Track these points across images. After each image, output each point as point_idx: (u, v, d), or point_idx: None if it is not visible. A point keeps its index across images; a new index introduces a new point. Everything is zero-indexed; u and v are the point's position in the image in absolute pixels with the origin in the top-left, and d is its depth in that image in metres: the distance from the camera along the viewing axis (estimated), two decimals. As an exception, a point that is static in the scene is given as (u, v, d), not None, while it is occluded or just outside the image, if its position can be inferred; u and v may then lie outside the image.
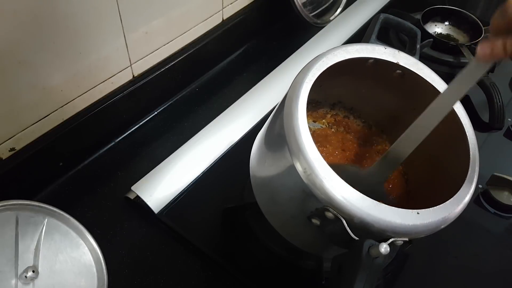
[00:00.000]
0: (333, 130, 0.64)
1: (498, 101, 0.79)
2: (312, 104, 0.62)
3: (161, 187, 0.64)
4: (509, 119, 0.81)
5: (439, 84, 0.50)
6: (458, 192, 0.41)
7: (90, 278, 0.50)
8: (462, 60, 0.92)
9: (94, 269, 0.51)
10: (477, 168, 0.44)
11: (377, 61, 0.50)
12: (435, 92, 0.49)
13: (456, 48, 0.91)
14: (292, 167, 0.40)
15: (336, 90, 0.59)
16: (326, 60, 0.47)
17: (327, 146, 0.60)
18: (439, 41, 0.93)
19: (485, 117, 0.81)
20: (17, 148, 0.59)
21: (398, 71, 0.51)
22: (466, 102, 0.85)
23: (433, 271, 0.59)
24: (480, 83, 0.82)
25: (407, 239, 0.38)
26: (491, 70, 0.89)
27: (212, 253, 0.58)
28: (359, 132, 0.63)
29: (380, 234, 0.38)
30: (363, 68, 0.52)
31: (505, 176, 0.67)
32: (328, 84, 0.55)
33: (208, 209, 0.64)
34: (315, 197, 0.39)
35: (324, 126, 0.64)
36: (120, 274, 0.56)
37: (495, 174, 0.68)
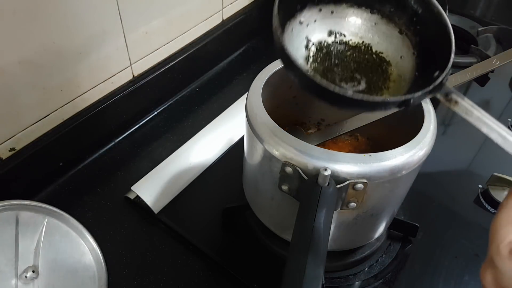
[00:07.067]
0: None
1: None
2: (298, 126, 0.65)
3: (161, 187, 0.64)
4: (509, 119, 0.81)
5: None
6: (410, 142, 0.44)
7: (90, 278, 0.50)
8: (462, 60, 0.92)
9: (94, 269, 0.51)
10: (433, 121, 0.46)
11: None
12: None
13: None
14: (256, 141, 0.45)
15: (312, 108, 0.63)
16: (274, 65, 0.54)
17: None
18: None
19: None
20: (17, 148, 0.59)
21: None
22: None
23: (433, 271, 0.59)
24: None
25: (365, 181, 0.41)
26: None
27: (212, 253, 0.58)
28: (349, 146, 0.65)
29: (335, 177, 0.41)
30: None
31: (505, 176, 0.67)
32: (302, 102, 0.61)
33: (208, 209, 0.64)
34: (274, 157, 0.43)
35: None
36: (120, 274, 0.56)
37: (495, 174, 0.68)
